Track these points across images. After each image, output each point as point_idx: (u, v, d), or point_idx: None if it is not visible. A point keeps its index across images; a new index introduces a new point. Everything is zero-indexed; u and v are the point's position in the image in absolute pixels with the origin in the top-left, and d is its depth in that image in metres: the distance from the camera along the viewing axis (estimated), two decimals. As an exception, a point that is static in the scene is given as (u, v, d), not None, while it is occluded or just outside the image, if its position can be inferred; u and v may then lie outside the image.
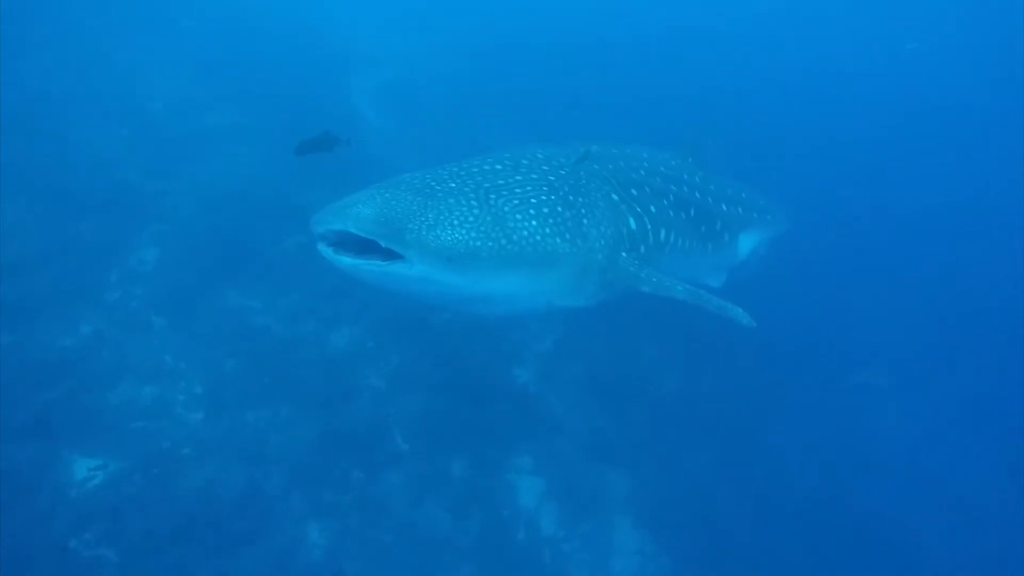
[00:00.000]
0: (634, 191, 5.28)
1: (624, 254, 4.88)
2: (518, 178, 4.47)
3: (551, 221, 4.33)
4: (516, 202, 4.28)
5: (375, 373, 6.87)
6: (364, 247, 3.91)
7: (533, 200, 4.36)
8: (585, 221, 4.54)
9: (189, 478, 5.51)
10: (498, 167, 4.56)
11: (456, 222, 4.00)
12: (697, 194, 6.12)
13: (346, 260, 3.97)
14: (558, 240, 4.32)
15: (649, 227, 5.24)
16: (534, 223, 4.25)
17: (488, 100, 13.67)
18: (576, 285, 4.56)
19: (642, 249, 5.10)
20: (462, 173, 4.39)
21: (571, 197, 4.56)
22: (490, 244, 4.03)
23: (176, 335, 6.77)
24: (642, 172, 5.54)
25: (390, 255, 3.90)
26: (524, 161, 4.70)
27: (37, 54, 10.27)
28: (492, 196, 4.24)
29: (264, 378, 6.52)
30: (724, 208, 6.51)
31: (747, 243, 7.12)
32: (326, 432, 6.11)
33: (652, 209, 5.35)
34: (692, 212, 5.91)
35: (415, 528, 5.74)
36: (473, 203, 4.14)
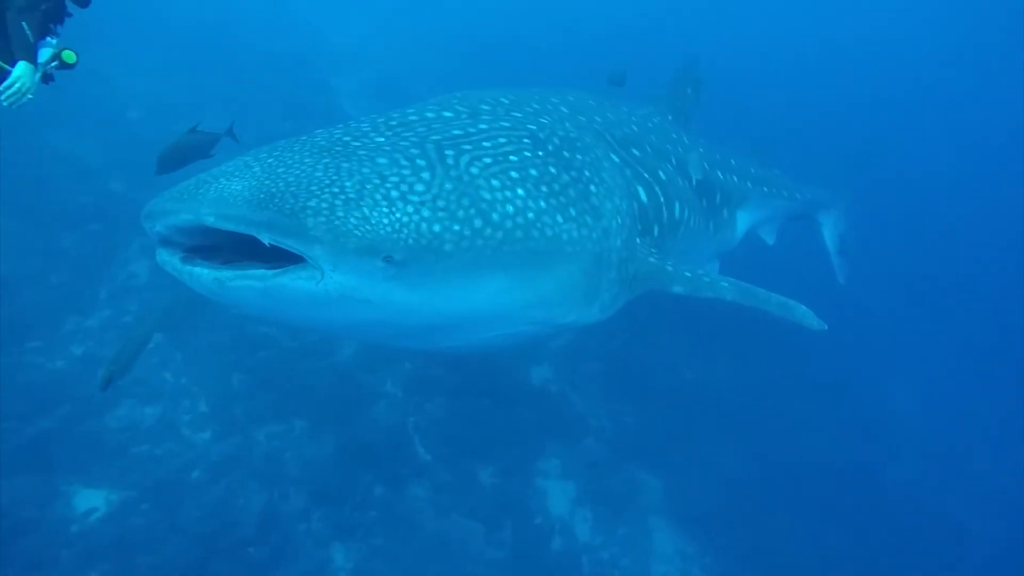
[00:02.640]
0: (635, 151, 4.03)
1: (638, 240, 3.59)
2: (482, 127, 3.05)
3: (544, 189, 2.90)
4: (488, 160, 2.83)
5: (389, 380, 6.51)
6: (242, 250, 2.43)
7: (513, 158, 2.92)
8: (593, 189, 3.17)
9: (201, 504, 5.11)
10: (447, 114, 3.11)
11: (395, 195, 2.49)
12: (694, 157, 5.02)
13: (204, 273, 2.39)
14: (559, 218, 2.89)
15: (662, 200, 4.01)
16: (520, 191, 2.81)
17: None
18: (588, 288, 3.15)
19: (656, 231, 3.87)
20: (392, 123, 2.95)
21: (566, 154, 3.18)
22: (456, 230, 2.55)
23: (176, 351, 6.35)
24: (634, 127, 4.35)
25: (283, 260, 2.38)
26: (484, 107, 3.29)
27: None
28: (449, 152, 2.78)
29: (273, 392, 6.13)
30: (720, 177, 5.36)
31: (743, 222, 5.92)
32: (344, 446, 5.74)
33: (661, 176, 4.14)
34: (694, 181, 4.79)
35: (446, 544, 5.39)
36: (420, 163, 2.67)
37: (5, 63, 3.06)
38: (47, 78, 3.28)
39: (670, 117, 5.40)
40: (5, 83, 3.05)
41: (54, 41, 3.33)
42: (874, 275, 9.99)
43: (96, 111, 9.59)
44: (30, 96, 3.16)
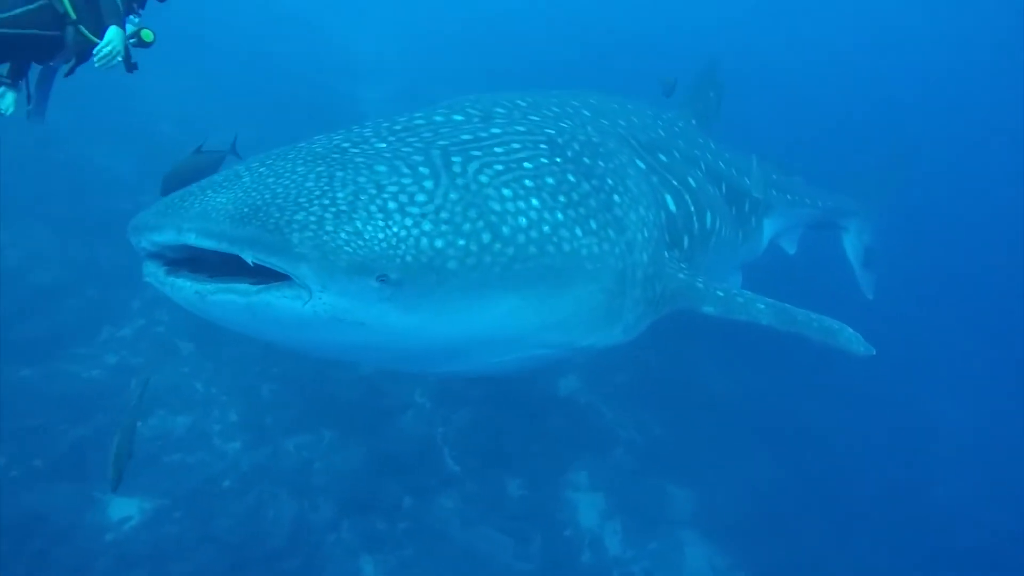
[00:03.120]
0: (662, 156, 3.81)
1: (666, 253, 3.36)
2: (495, 131, 2.82)
3: (562, 199, 2.65)
4: (499, 168, 2.60)
5: (417, 390, 6.50)
6: (232, 267, 2.22)
7: (528, 165, 2.69)
8: (616, 199, 2.92)
9: (232, 514, 5.14)
10: (457, 117, 2.90)
11: (392, 207, 2.28)
12: (722, 164, 4.79)
13: (186, 285, 2.24)
14: (578, 231, 2.64)
15: (692, 209, 3.76)
16: (534, 202, 2.56)
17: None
18: (610, 308, 2.87)
19: (685, 243, 3.63)
20: (397, 128, 2.75)
21: (587, 160, 2.94)
22: (460, 245, 2.32)
23: (206, 361, 6.43)
24: (661, 132, 4.15)
25: (269, 277, 2.19)
26: (499, 110, 3.08)
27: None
28: (456, 159, 2.56)
29: (301, 402, 6.16)
30: (748, 184, 5.16)
31: (769, 231, 5.72)
32: (372, 456, 5.74)
33: (691, 183, 3.88)
34: (724, 188, 4.56)
35: (474, 556, 5.35)
36: (423, 171, 2.46)
37: (95, 36, 3.19)
38: (130, 66, 3.41)
39: (694, 121, 5.21)
40: (99, 45, 3.19)
41: (136, 19, 3.45)
42: (914, 281, 9.80)
43: (131, 125, 9.81)
44: (119, 59, 3.29)
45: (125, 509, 5.10)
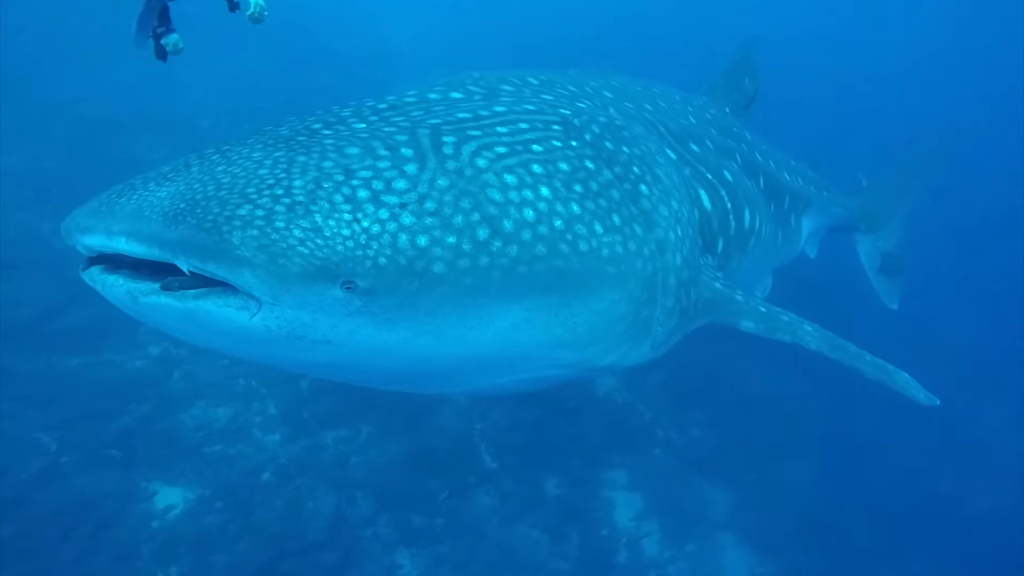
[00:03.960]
0: (694, 146, 3.34)
1: (700, 257, 2.96)
2: (498, 110, 2.37)
3: (578, 189, 2.21)
4: (501, 150, 2.16)
5: (454, 386, 6.49)
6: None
7: (537, 148, 2.24)
8: (644, 190, 2.46)
9: (272, 505, 5.19)
10: (455, 95, 2.46)
11: (363, 195, 1.86)
12: (758, 156, 4.34)
13: (118, 284, 1.84)
14: (597, 227, 2.20)
15: (729, 206, 3.30)
16: (544, 190, 2.12)
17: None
18: (636, 321, 2.41)
19: (720, 245, 3.17)
20: (382, 107, 2.30)
21: (609, 145, 2.48)
22: (450, 242, 1.89)
23: (247, 353, 6.49)
24: (691, 119, 3.70)
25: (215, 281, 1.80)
26: (505, 87, 2.66)
27: (94, 77, 10.22)
28: (448, 139, 2.12)
29: (339, 396, 6.18)
30: (787, 179, 4.72)
31: (805, 230, 5.25)
32: (410, 451, 5.75)
33: (727, 176, 3.44)
34: (762, 183, 4.10)
35: (511, 554, 5.34)
36: (405, 152, 2.02)
37: None
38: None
39: (727, 110, 4.76)
40: None
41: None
42: (965, 289, 9.50)
43: (173, 119, 9.97)
44: (267, 13, 3.41)
45: (169, 497, 5.20)
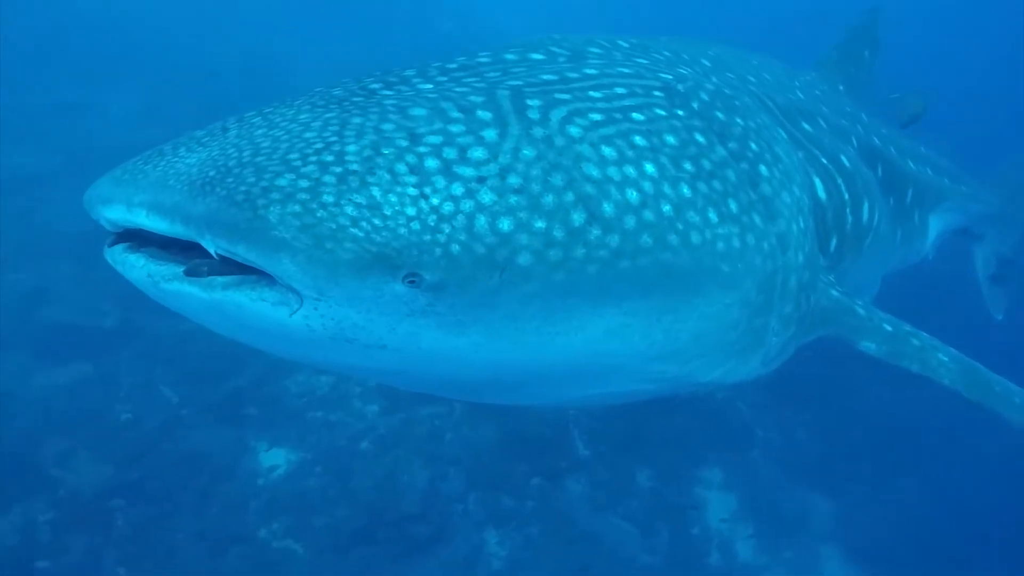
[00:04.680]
0: (806, 125, 2.89)
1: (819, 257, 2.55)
2: (589, 71, 1.99)
3: (688, 167, 1.85)
4: (597, 117, 1.79)
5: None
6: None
7: (638, 116, 1.87)
8: (764, 171, 2.09)
9: (369, 474, 5.34)
10: (536, 56, 2.08)
11: (431, 166, 1.54)
12: (876, 140, 3.71)
13: (138, 265, 1.56)
14: (711, 215, 1.84)
15: (847, 197, 2.82)
16: (649, 168, 1.76)
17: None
18: (749, 329, 2.05)
19: (833, 243, 2.71)
20: (451, 67, 1.94)
21: (720, 116, 2.10)
22: (539, 228, 1.55)
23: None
24: (799, 94, 3.24)
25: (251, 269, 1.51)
26: (594, 49, 2.25)
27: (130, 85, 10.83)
28: (533, 103, 1.77)
29: (436, 371, 6.29)
30: (912, 168, 4.02)
31: (934, 231, 4.49)
32: (503, 433, 5.76)
33: (844, 162, 2.94)
34: (880, 171, 3.52)
35: (600, 543, 5.27)
36: (482, 115, 1.69)
37: None
38: None
39: (841, 87, 4.16)
40: None
41: None
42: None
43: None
44: None
45: (274, 458, 5.45)
